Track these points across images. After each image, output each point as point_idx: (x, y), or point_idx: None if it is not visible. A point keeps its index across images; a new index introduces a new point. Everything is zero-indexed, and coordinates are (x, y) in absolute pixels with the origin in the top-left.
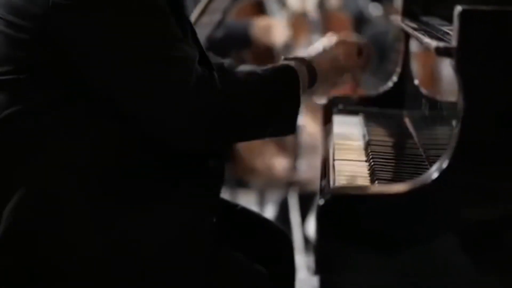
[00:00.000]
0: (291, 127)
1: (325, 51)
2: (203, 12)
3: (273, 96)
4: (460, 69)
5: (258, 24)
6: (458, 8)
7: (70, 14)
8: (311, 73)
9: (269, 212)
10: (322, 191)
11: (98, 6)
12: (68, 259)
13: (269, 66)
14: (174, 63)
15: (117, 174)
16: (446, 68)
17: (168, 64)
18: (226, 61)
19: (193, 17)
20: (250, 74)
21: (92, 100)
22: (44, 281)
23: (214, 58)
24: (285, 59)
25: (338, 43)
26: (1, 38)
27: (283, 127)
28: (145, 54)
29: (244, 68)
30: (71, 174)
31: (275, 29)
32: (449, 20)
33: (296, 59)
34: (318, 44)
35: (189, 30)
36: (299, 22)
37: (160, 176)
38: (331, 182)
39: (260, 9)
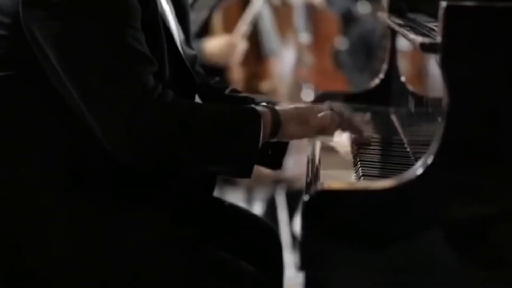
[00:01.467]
0: (244, 171)
1: (297, 108)
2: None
3: (225, 134)
4: (445, 65)
5: (209, 46)
6: (443, 4)
7: (35, 10)
8: (275, 123)
9: (257, 210)
10: (307, 187)
11: (62, 3)
12: (46, 261)
13: (239, 106)
14: (122, 74)
15: (94, 174)
16: (432, 64)
17: (116, 74)
18: (214, 80)
19: None
20: (211, 107)
21: (61, 101)
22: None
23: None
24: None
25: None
26: None
27: (235, 169)
28: (95, 59)
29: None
30: (49, 175)
31: (229, 47)
32: (436, 17)
33: (266, 106)
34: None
35: (164, 43)
36: (286, 20)
37: (137, 177)
38: (317, 179)
39: (247, 6)
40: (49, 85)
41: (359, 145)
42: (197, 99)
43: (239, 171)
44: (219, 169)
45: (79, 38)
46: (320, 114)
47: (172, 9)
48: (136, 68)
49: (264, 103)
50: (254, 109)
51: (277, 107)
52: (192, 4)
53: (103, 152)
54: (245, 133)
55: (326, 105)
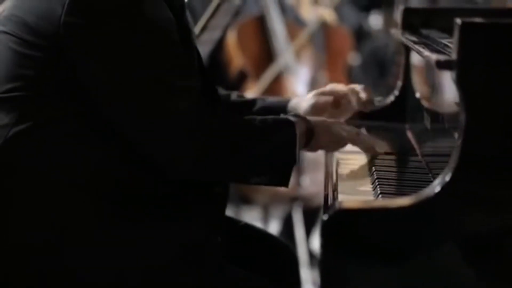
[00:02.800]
0: (283, 180)
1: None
2: (203, 30)
3: (267, 146)
4: (460, 82)
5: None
6: (458, 21)
7: (80, 33)
8: (308, 133)
9: (274, 228)
10: (326, 206)
11: (109, 27)
12: (69, 276)
13: (271, 117)
14: (177, 92)
15: (121, 192)
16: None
17: (171, 93)
18: (233, 94)
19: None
20: (250, 119)
21: (97, 118)
22: None
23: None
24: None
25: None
26: (10, 55)
27: (275, 178)
28: (149, 80)
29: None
30: (77, 191)
31: None
32: (448, 32)
33: (298, 116)
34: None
35: (195, 58)
36: (299, 37)
37: (164, 195)
38: (335, 197)
39: (261, 25)
40: (82, 105)
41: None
42: None
43: (278, 180)
44: (260, 178)
45: (132, 60)
46: (347, 129)
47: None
48: (193, 82)
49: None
50: (288, 120)
51: (309, 118)
52: (206, 24)
53: (129, 170)
54: (284, 142)
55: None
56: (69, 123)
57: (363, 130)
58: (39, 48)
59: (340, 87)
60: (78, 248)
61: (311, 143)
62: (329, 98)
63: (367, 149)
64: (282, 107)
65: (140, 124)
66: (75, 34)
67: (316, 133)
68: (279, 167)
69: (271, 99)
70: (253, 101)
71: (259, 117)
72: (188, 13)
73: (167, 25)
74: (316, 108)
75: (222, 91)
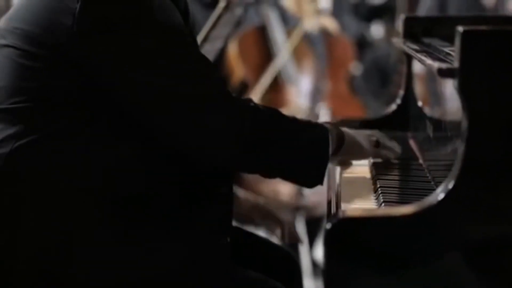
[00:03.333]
0: (317, 179)
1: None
2: (205, 40)
3: (303, 142)
4: (463, 90)
5: None
6: (460, 29)
7: (97, 41)
8: (339, 141)
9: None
10: (329, 215)
11: (125, 30)
12: (78, 280)
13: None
14: (210, 83)
15: (131, 199)
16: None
17: (206, 86)
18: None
19: None
20: (286, 115)
21: (109, 127)
22: None
23: None
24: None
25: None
26: (13, 68)
27: (309, 177)
28: (177, 77)
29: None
30: (86, 199)
31: None
32: (450, 41)
33: (331, 123)
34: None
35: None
36: (301, 46)
37: (172, 199)
38: (338, 206)
39: (262, 35)
40: (90, 114)
41: (378, 168)
42: None
43: (310, 180)
44: (295, 174)
45: (153, 55)
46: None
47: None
48: (213, 71)
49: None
50: (322, 125)
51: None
52: (208, 34)
53: (139, 177)
54: (319, 141)
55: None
56: (75, 133)
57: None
58: (43, 59)
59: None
60: (88, 253)
61: (340, 151)
62: None
63: (386, 159)
64: None
65: (184, 124)
66: (92, 43)
67: (346, 142)
68: (313, 165)
69: None
70: None
71: (293, 116)
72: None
73: (181, 28)
74: None
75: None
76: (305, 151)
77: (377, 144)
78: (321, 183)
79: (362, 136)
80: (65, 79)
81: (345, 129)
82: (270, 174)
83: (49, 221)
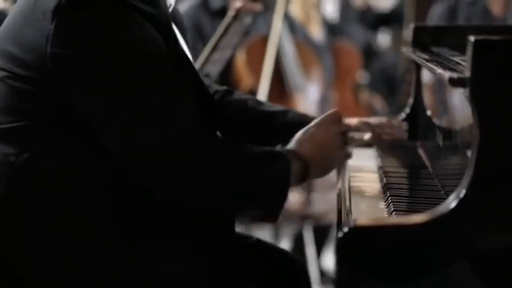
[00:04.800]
0: (272, 216)
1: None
2: (214, 49)
3: (257, 181)
4: (474, 99)
5: None
6: (471, 38)
7: (68, 64)
8: (303, 172)
9: (284, 246)
10: (340, 224)
11: (97, 56)
12: None
13: (268, 150)
14: (167, 116)
15: (131, 211)
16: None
17: (162, 118)
18: (251, 100)
19: (204, 54)
20: (247, 148)
21: (96, 145)
22: None
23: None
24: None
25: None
26: (6, 90)
27: (263, 212)
28: (138, 106)
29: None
30: (79, 217)
31: None
32: (459, 50)
33: (295, 153)
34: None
35: (189, 77)
36: (308, 55)
37: (173, 214)
38: (349, 215)
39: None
40: (81, 133)
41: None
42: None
43: (267, 215)
44: (247, 211)
45: (116, 86)
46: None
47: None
48: (183, 105)
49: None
50: (285, 156)
51: (302, 151)
52: (217, 43)
53: (133, 193)
54: (276, 181)
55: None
56: (69, 152)
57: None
58: (31, 81)
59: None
60: (92, 268)
61: (306, 180)
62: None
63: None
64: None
65: (132, 151)
66: (63, 66)
67: (311, 171)
68: (270, 202)
69: (292, 115)
70: (272, 114)
71: (256, 148)
72: (182, 29)
73: (155, 48)
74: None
75: (238, 96)
76: (262, 188)
77: (345, 141)
78: (275, 220)
79: (330, 152)
80: (51, 101)
81: (311, 154)
82: (225, 210)
83: (50, 242)
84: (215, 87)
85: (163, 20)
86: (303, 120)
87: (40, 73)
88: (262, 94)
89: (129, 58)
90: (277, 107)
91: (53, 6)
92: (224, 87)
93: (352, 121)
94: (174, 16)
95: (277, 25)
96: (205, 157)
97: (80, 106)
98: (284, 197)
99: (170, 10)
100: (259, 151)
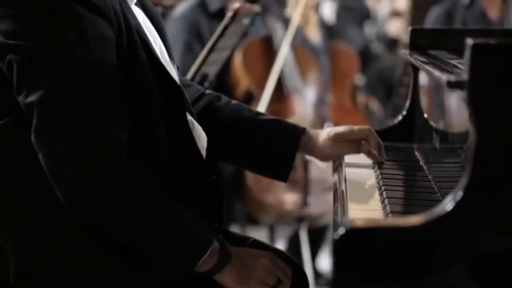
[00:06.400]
0: (168, 278)
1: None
2: (211, 50)
3: (169, 240)
4: (472, 102)
5: None
6: (469, 41)
7: (8, 54)
8: (220, 263)
9: (280, 247)
10: (336, 225)
11: (28, 47)
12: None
13: (197, 224)
14: (78, 121)
15: None
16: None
17: (72, 122)
18: (227, 100)
19: (201, 56)
20: (172, 205)
21: None
22: None
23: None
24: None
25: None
26: None
27: (161, 271)
28: (53, 104)
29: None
30: (58, 218)
31: None
32: (456, 53)
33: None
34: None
35: (145, 61)
36: (306, 57)
37: None
38: (345, 217)
39: (268, 45)
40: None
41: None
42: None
43: (165, 276)
44: (146, 260)
45: (44, 79)
46: (263, 272)
47: (149, 22)
48: (100, 109)
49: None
50: (210, 236)
51: (232, 251)
52: (215, 44)
53: None
54: (185, 250)
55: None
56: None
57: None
58: None
59: (357, 129)
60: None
61: (218, 275)
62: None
63: None
64: (292, 141)
65: (38, 144)
66: (3, 55)
67: (228, 268)
68: (170, 268)
69: (283, 125)
70: (263, 123)
71: (189, 219)
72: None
73: (95, 41)
74: (335, 141)
75: (228, 102)
76: (168, 251)
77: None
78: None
79: (255, 274)
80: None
81: (236, 258)
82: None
83: (32, 242)
84: (207, 91)
85: (111, 12)
86: (294, 130)
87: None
88: (263, 106)
89: (60, 54)
90: (267, 116)
91: None
92: (215, 93)
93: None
94: (144, 5)
95: (286, 45)
96: (117, 178)
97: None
98: (186, 271)
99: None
100: (186, 222)
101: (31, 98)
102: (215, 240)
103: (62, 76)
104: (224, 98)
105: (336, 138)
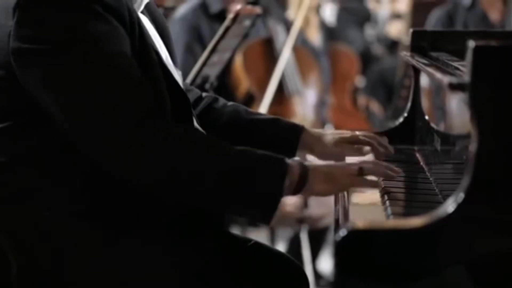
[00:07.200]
0: (263, 219)
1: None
2: (212, 52)
3: (247, 180)
4: (473, 104)
5: None
6: (471, 44)
7: (28, 58)
8: (301, 179)
9: (281, 249)
10: (337, 227)
11: (52, 50)
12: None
13: (265, 153)
14: (118, 110)
15: (114, 216)
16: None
17: (114, 112)
18: (241, 109)
19: (203, 57)
20: (237, 149)
21: (68, 146)
22: None
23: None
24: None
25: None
26: None
27: (254, 214)
28: (92, 100)
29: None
30: (66, 219)
31: None
32: (457, 55)
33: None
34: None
35: (157, 68)
36: (306, 59)
37: (159, 214)
38: (347, 218)
39: (269, 46)
40: (53, 129)
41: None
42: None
43: (256, 218)
44: (234, 210)
45: (73, 78)
46: (350, 175)
47: (154, 29)
48: (136, 95)
49: (296, 158)
50: (282, 160)
51: (307, 163)
52: (216, 46)
53: (114, 187)
54: (269, 182)
55: (360, 162)
56: (45, 148)
57: (370, 157)
58: (1, 80)
59: (361, 134)
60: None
61: (304, 189)
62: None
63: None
64: (292, 138)
65: (89, 144)
66: (23, 60)
67: (310, 179)
68: (260, 206)
69: (282, 124)
70: (262, 122)
71: (255, 151)
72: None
73: (114, 40)
74: (339, 142)
75: (226, 103)
76: (251, 192)
77: (361, 171)
78: (268, 223)
79: (337, 167)
80: (22, 99)
81: (314, 166)
82: (205, 206)
83: (33, 243)
84: (204, 94)
85: (125, 15)
86: (293, 128)
87: (7, 71)
88: (264, 108)
89: (85, 52)
90: (266, 115)
91: (13, 3)
92: (212, 95)
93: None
94: (151, 12)
95: (288, 48)
96: (164, 148)
97: (42, 101)
98: (275, 203)
99: (141, 7)
100: (255, 155)
101: (67, 100)
102: (288, 161)
103: (94, 72)
104: (222, 100)
105: (340, 140)
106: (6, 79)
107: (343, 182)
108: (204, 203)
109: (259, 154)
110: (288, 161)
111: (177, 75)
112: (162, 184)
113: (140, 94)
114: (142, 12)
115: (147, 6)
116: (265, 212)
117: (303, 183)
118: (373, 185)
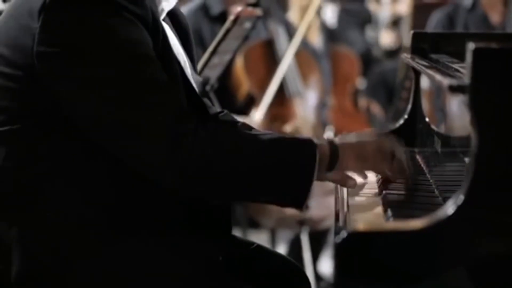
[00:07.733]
0: (296, 203)
1: (358, 142)
2: (213, 54)
3: (278, 166)
4: (473, 106)
5: None
6: (471, 46)
7: (55, 62)
8: (332, 157)
9: (281, 251)
10: (337, 229)
11: (82, 54)
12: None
13: (292, 136)
14: (152, 110)
15: (119, 218)
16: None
17: (148, 111)
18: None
19: (203, 58)
20: (264, 136)
21: (86, 147)
22: None
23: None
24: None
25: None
26: None
27: (286, 200)
28: (125, 100)
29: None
30: (71, 221)
31: None
32: (458, 57)
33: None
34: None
35: (176, 74)
36: (307, 60)
37: (162, 216)
38: (347, 220)
39: (269, 48)
40: (71, 131)
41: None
42: None
43: (290, 203)
44: (268, 199)
45: (104, 82)
46: (380, 152)
47: (177, 36)
48: (167, 96)
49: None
50: (310, 140)
51: (336, 139)
52: (216, 47)
53: (116, 189)
54: (300, 165)
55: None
56: (59, 154)
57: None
58: (16, 79)
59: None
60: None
61: (336, 167)
62: None
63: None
64: None
65: (123, 143)
66: (49, 64)
67: (341, 156)
68: (292, 190)
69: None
70: None
71: (282, 136)
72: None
73: (141, 46)
74: None
75: (229, 118)
76: (283, 178)
77: (392, 154)
78: (301, 208)
79: (369, 143)
80: (37, 100)
81: (343, 142)
82: (240, 199)
83: (37, 245)
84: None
85: (149, 21)
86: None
87: (26, 72)
88: (262, 110)
89: (115, 55)
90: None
91: (39, 6)
92: (218, 110)
93: None
94: (175, 17)
95: (290, 54)
96: (199, 143)
97: (67, 104)
98: (308, 186)
99: (163, 15)
100: (283, 139)
101: (103, 101)
102: (316, 140)
103: (126, 74)
104: (228, 114)
105: None
106: (24, 81)
107: (376, 160)
108: (235, 198)
109: (287, 141)
110: (317, 140)
111: (194, 84)
112: (194, 183)
113: (172, 94)
114: (163, 19)
115: (171, 10)
116: (298, 197)
117: (334, 160)
118: (403, 170)
